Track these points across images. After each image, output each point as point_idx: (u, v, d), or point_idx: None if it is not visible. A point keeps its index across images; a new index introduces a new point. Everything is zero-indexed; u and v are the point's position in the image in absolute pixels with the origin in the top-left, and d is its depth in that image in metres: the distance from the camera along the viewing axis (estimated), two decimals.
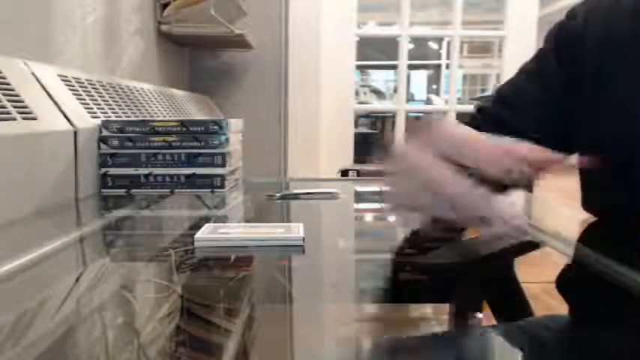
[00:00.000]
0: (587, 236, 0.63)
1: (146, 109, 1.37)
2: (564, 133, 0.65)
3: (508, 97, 0.71)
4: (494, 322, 0.67)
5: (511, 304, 0.75)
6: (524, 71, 0.70)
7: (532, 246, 0.62)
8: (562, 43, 0.66)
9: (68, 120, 0.93)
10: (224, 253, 0.63)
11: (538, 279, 0.74)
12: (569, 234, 0.70)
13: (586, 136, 0.62)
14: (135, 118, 1.22)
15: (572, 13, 0.66)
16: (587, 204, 0.65)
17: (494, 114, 0.70)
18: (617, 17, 0.60)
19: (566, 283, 0.59)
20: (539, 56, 0.69)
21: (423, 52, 6.67)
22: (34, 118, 0.83)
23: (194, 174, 1.01)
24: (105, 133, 1.00)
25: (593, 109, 0.61)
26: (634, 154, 0.56)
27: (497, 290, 0.72)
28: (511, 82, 0.72)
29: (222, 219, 0.87)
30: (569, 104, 0.64)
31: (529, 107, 0.67)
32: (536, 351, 0.59)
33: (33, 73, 0.92)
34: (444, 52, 5.54)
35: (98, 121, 1.01)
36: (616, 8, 0.61)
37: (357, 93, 4.39)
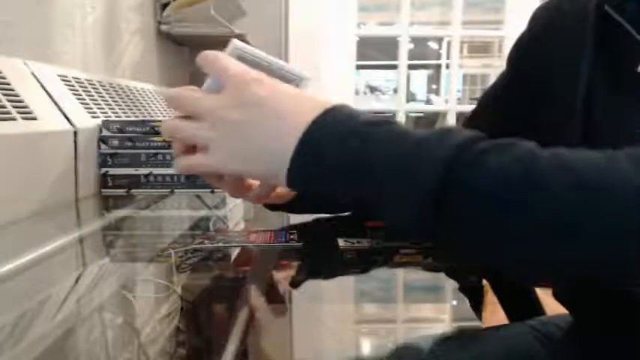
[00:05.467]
0: None
1: (146, 109, 1.37)
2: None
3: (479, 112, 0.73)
4: (506, 321, 0.67)
5: (523, 304, 0.75)
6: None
7: None
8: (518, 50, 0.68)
9: (68, 120, 0.93)
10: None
11: None
12: None
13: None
14: (135, 118, 1.22)
15: (533, 17, 0.67)
16: None
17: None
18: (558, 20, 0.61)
19: (563, 291, 0.60)
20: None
21: (423, 52, 6.67)
22: (34, 118, 0.83)
23: None
24: (105, 133, 1.00)
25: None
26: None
27: (509, 290, 0.72)
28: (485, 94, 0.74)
29: (223, 219, 0.87)
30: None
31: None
32: (548, 349, 0.59)
33: (33, 73, 0.92)
34: (444, 52, 5.54)
35: (98, 121, 1.01)
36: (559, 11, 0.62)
37: (356, 92, 4.39)
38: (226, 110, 0.42)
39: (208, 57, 0.45)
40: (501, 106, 0.68)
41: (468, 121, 0.74)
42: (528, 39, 0.66)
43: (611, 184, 0.32)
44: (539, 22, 0.65)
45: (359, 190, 0.38)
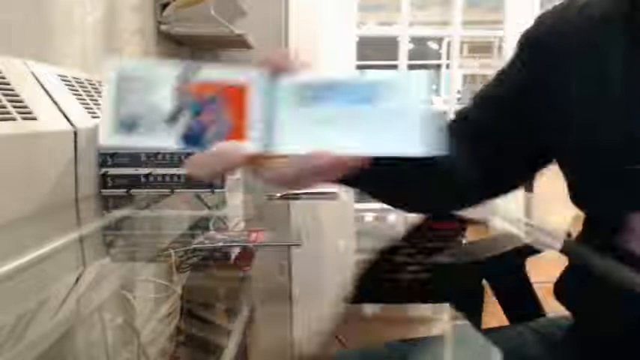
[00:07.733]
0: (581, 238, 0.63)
1: None
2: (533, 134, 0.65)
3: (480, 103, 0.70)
4: (506, 322, 0.67)
5: (523, 305, 0.75)
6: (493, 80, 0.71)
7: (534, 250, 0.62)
8: (527, 48, 0.67)
9: (68, 120, 0.93)
10: None
11: (537, 280, 0.74)
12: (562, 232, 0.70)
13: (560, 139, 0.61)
14: None
15: (539, 20, 0.66)
16: (574, 199, 0.64)
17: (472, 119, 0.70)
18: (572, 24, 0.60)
19: (563, 289, 0.60)
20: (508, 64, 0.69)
21: (423, 52, 6.67)
22: (34, 118, 0.83)
23: None
24: None
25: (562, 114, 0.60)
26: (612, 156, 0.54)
27: (509, 291, 0.72)
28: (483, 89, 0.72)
29: (223, 219, 0.87)
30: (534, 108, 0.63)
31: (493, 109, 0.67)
32: (549, 350, 0.59)
33: (33, 73, 0.92)
34: (443, 52, 5.54)
35: (98, 121, 1.01)
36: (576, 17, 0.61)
37: None
38: None
39: None
40: (514, 102, 0.66)
41: (466, 111, 0.70)
42: (537, 45, 0.64)
43: None
44: (549, 29, 0.62)
45: None
